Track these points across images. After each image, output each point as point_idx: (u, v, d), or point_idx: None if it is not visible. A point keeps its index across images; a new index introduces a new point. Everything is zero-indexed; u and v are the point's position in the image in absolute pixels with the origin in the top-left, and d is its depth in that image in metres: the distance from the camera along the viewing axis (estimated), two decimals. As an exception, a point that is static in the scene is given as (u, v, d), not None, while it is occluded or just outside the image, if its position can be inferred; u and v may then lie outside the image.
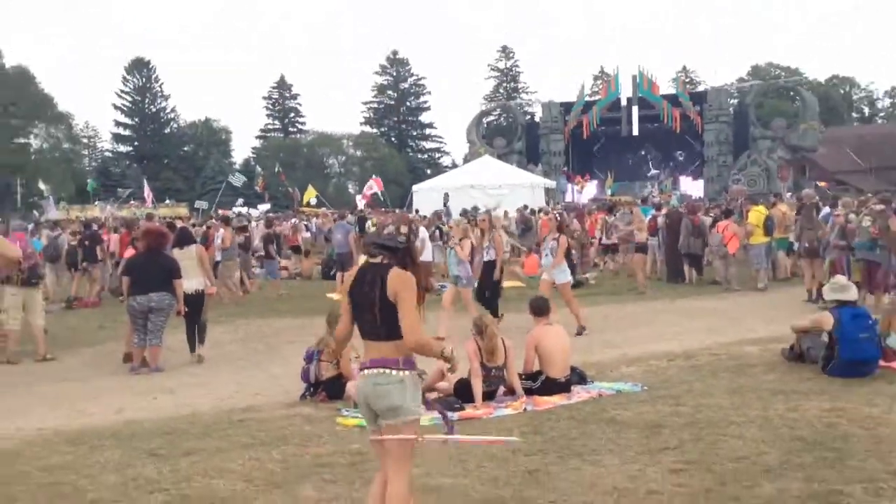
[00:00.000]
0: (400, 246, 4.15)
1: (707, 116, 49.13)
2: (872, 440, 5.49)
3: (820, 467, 5.01)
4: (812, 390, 7.07)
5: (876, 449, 5.29)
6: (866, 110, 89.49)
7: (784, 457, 5.23)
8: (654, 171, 45.25)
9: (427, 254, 16.66)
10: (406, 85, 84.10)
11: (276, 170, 48.22)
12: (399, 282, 4.02)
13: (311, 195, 39.61)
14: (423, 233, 19.08)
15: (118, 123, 75.38)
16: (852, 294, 8.07)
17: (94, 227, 19.32)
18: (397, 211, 30.96)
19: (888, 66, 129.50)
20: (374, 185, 37.07)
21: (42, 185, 54.29)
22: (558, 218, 13.90)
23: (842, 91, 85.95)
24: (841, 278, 8.83)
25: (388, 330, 4.04)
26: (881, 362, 7.78)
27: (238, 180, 43.56)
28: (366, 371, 4.09)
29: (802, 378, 7.61)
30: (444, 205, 27.33)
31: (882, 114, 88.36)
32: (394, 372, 4.04)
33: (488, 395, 7.44)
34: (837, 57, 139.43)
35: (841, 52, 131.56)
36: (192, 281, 10.73)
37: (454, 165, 64.89)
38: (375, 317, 4.04)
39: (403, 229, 4.14)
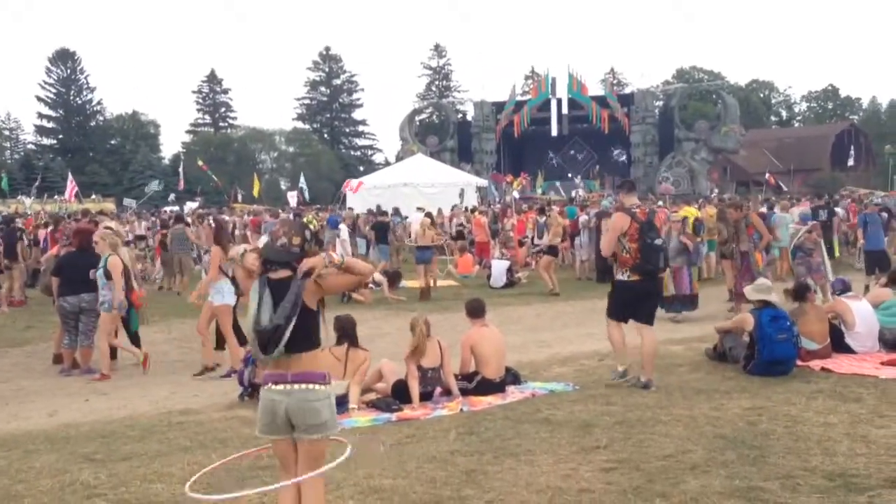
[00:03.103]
0: (294, 257, 4.01)
1: (634, 118, 50.37)
2: (791, 437, 5.79)
3: (742, 464, 5.25)
4: (734, 389, 7.40)
5: (794, 446, 5.58)
6: (784, 114, 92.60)
7: (708, 454, 5.49)
8: (578, 182, 45.73)
9: (347, 252, 16.75)
10: (339, 81, 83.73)
11: (199, 162, 46.85)
12: (315, 287, 3.99)
13: (257, 188, 39.71)
14: (344, 232, 19.13)
15: (42, 115, 73.30)
16: (774, 296, 8.46)
17: (17, 222, 18.85)
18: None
19: (805, 71, 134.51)
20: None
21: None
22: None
23: (761, 95, 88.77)
24: (764, 280, 9.22)
25: (305, 341, 3.95)
26: (798, 362, 8.20)
27: (152, 189, 42.60)
28: (289, 386, 3.91)
29: (725, 377, 7.95)
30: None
31: (799, 117, 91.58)
32: (321, 387, 3.96)
33: (425, 396, 7.57)
34: (757, 62, 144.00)
35: (761, 57, 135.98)
36: None
37: (387, 163, 64.85)
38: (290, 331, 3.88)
39: (296, 240, 4.08)
